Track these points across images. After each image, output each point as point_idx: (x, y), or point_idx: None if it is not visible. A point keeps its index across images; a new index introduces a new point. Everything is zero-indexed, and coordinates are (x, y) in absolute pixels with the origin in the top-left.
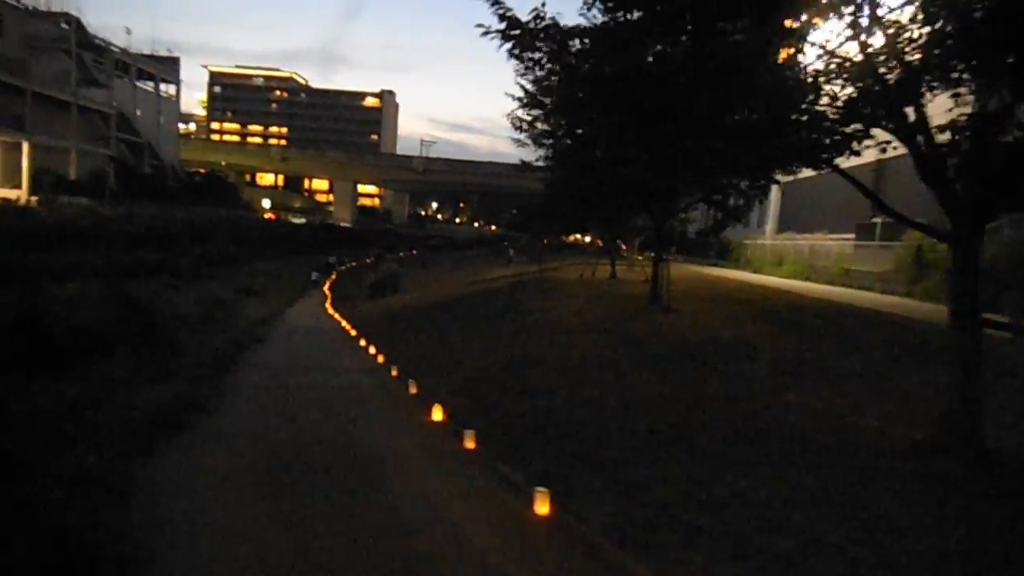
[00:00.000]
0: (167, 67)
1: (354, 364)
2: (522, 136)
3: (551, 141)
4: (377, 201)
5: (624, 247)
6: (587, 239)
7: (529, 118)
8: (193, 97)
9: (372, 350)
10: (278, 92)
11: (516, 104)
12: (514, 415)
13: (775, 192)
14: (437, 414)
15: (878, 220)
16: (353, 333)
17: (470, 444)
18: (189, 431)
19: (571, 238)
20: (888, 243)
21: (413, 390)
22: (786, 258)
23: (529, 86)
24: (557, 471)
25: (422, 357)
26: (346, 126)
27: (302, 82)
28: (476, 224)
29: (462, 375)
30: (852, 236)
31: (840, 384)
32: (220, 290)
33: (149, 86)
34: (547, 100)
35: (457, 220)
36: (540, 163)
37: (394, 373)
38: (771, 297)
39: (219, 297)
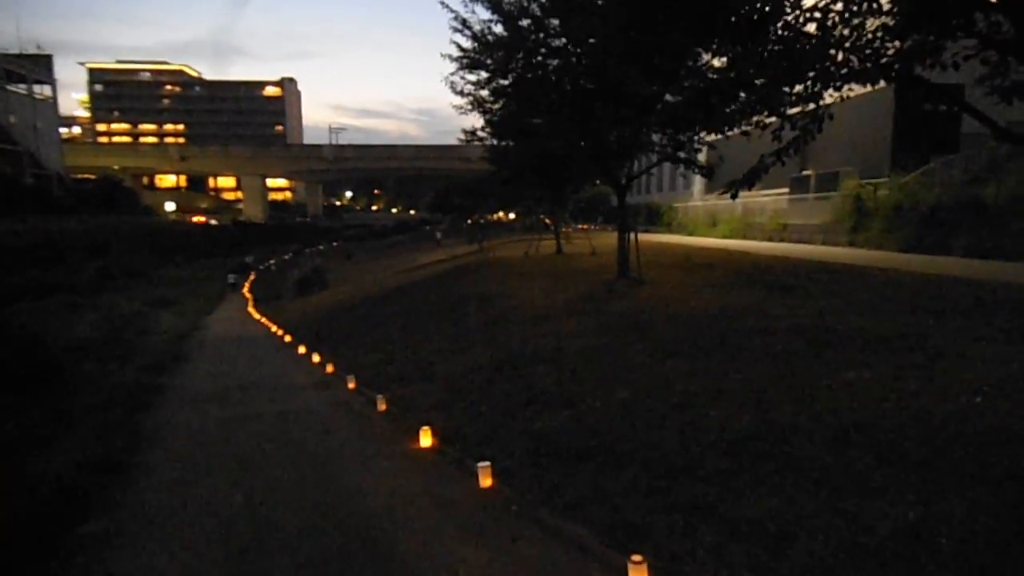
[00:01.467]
0: (39, 66)
1: (300, 379)
2: (463, 102)
3: (498, 105)
4: (289, 195)
5: (550, 221)
6: (511, 216)
7: (472, 80)
8: (73, 98)
9: (316, 358)
10: (169, 87)
11: (453, 65)
12: (534, 435)
13: (704, 153)
14: (425, 439)
15: (810, 172)
16: (288, 339)
17: (486, 481)
18: (96, 519)
19: (494, 217)
20: (823, 195)
21: (382, 407)
22: (720, 219)
23: (467, 43)
24: (635, 519)
25: (380, 363)
26: (248, 118)
27: (195, 75)
28: (394, 210)
29: (438, 383)
30: (786, 191)
31: (905, 356)
32: (128, 305)
33: (21, 88)
34: (489, 60)
35: (374, 207)
36: (483, 132)
37: (351, 385)
38: (730, 260)
39: (127, 313)
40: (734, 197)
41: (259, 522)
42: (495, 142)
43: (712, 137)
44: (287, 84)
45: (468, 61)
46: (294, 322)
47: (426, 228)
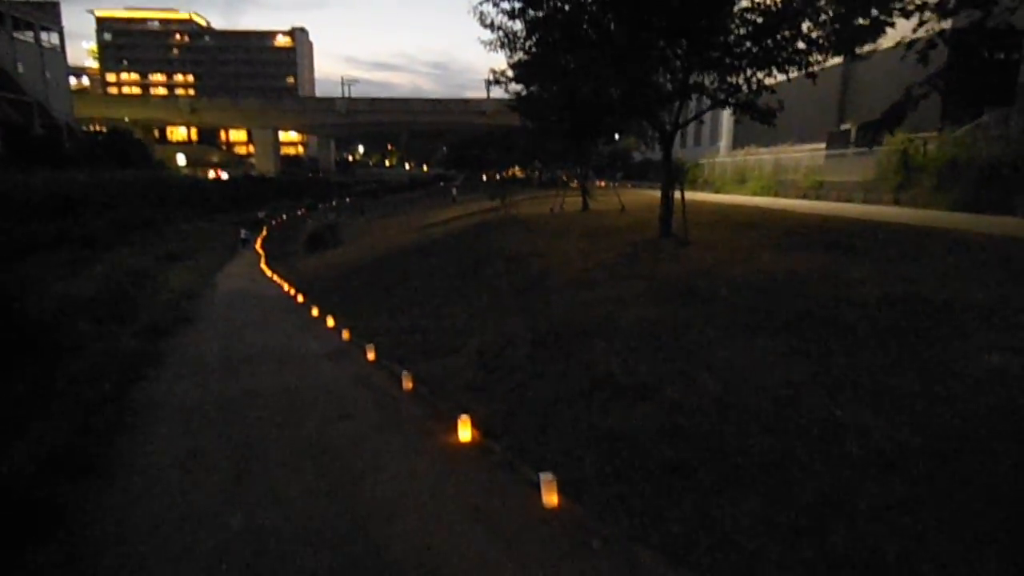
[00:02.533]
0: (46, 13)
1: (314, 347)
2: (493, 37)
3: (531, 41)
4: (301, 149)
5: (567, 177)
6: (526, 173)
7: (506, 9)
8: (82, 48)
9: (331, 322)
10: (178, 36)
11: None
12: (606, 435)
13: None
14: (464, 431)
15: (850, 127)
16: (300, 299)
17: (551, 498)
18: (51, 543)
19: (509, 173)
20: (865, 150)
21: (408, 384)
22: (749, 175)
23: None
24: None
25: (402, 330)
26: (259, 70)
27: (204, 24)
28: (407, 166)
29: (470, 357)
30: (822, 146)
31: None
32: (137, 259)
33: (28, 37)
34: None
35: (387, 163)
36: (511, 73)
37: (370, 356)
38: (772, 218)
39: (135, 268)
40: (871, 145)
41: (261, 562)
42: (522, 89)
43: (772, 80)
44: (298, 35)
45: None
46: (308, 280)
47: (440, 184)
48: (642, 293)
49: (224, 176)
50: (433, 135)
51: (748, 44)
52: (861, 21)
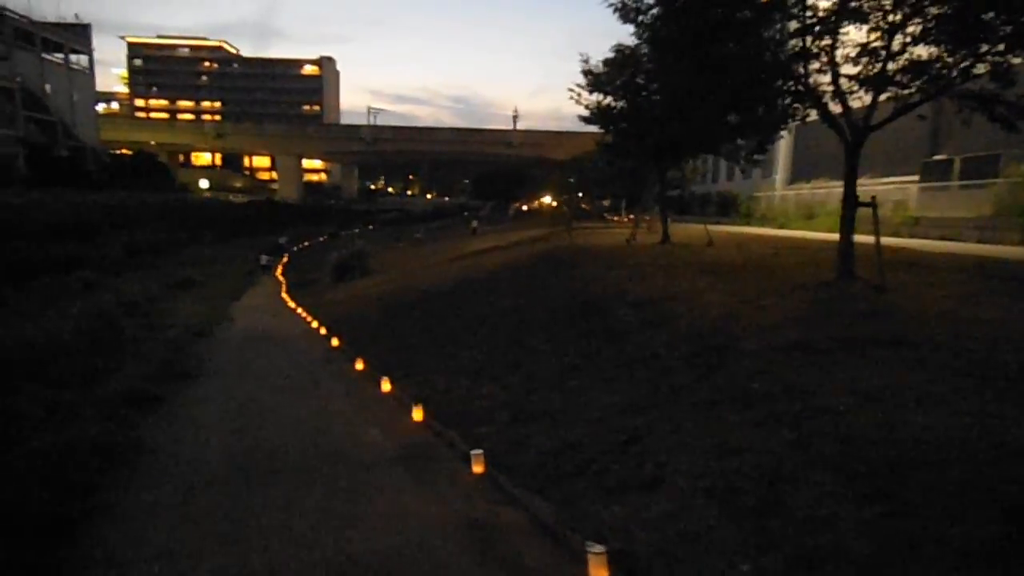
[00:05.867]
0: (77, 35)
1: (373, 435)
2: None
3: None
4: (324, 176)
5: (586, 207)
6: (554, 204)
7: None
8: (112, 74)
9: (386, 386)
10: (207, 63)
11: None
12: None
13: (785, 139)
14: None
15: (946, 156)
16: (335, 343)
17: None
18: None
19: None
20: (974, 182)
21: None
22: (818, 210)
23: None
24: None
25: (509, 411)
26: (286, 97)
27: (233, 52)
28: (429, 196)
29: (698, 505)
30: (913, 178)
31: None
32: (148, 285)
33: (58, 58)
34: None
35: (409, 192)
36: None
37: (478, 468)
38: (938, 259)
39: (140, 296)
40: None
41: None
42: (602, 98)
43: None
44: (326, 63)
45: None
46: (340, 317)
47: (464, 214)
48: (914, 376)
49: (236, 199)
50: (455, 165)
51: None
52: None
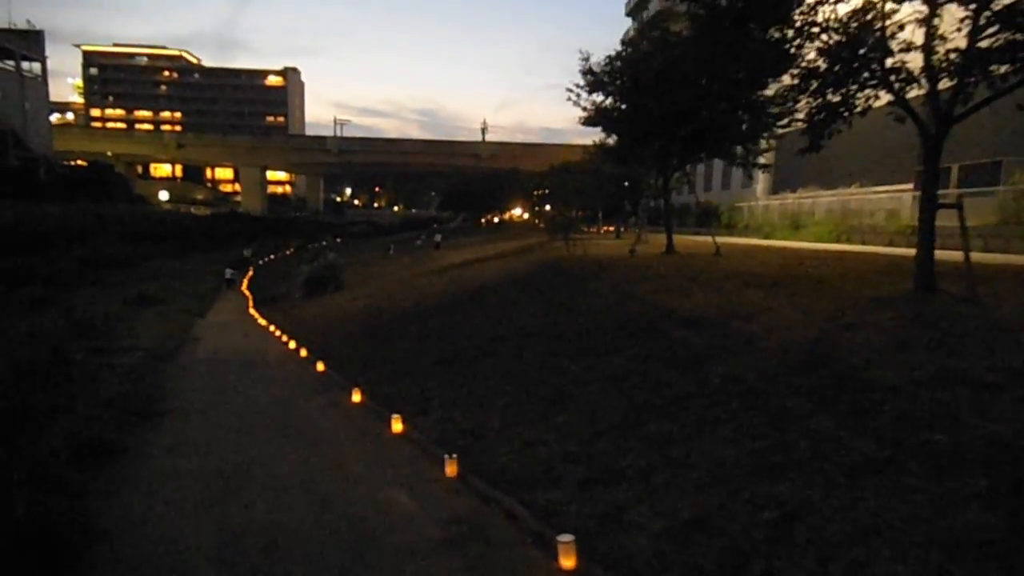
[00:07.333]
0: (29, 42)
1: (402, 501)
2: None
3: None
4: (289, 188)
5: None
6: (525, 216)
7: None
8: (67, 84)
9: (397, 426)
10: (167, 73)
11: None
12: None
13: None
14: None
15: (951, 164)
16: (321, 367)
17: None
18: None
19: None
20: (974, 190)
21: None
22: (805, 220)
23: None
24: None
25: (565, 457)
26: (249, 108)
27: (194, 61)
28: (396, 208)
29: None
30: (907, 187)
31: None
32: (105, 301)
33: (9, 65)
34: None
35: (376, 204)
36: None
37: (566, 564)
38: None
39: (96, 314)
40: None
41: None
42: (603, 100)
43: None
44: (290, 74)
45: None
46: (319, 335)
47: (435, 226)
48: None
49: (194, 211)
50: (423, 177)
51: None
52: None
